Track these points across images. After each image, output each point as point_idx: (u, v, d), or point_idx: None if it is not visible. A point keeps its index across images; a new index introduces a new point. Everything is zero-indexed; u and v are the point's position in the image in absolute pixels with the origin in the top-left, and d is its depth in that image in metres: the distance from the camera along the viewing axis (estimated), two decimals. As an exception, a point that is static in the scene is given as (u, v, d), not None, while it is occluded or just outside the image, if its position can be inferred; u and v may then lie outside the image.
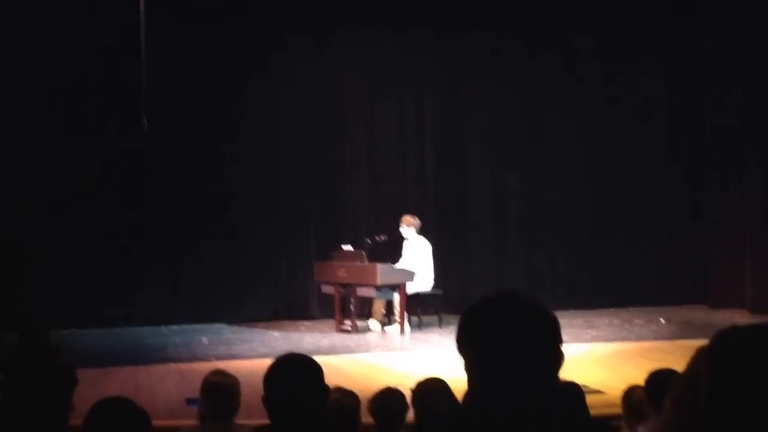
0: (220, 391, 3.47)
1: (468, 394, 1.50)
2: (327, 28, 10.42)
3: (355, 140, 10.91)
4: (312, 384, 2.20)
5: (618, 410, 3.75)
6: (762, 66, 10.30)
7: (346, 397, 3.31)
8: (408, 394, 3.37)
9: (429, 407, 3.01)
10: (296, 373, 2.22)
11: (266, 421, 2.38)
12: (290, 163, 10.59)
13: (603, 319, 10.10)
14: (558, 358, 1.43)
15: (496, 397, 1.41)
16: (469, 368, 1.44)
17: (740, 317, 9.71)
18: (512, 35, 10.98)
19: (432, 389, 3.16)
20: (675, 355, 6.44)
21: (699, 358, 1.19)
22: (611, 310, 10.65)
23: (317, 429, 2.18)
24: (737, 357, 1.15)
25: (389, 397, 3.37)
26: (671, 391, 1.23)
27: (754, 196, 10.60)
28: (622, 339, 8.79)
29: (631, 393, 3.19)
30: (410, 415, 3.40)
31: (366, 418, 3.50)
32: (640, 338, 8.84)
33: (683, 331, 9.08)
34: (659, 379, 3.01)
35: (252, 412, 3.90)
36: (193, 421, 4.00)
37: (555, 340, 1.43)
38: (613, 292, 11.11)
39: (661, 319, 10.00)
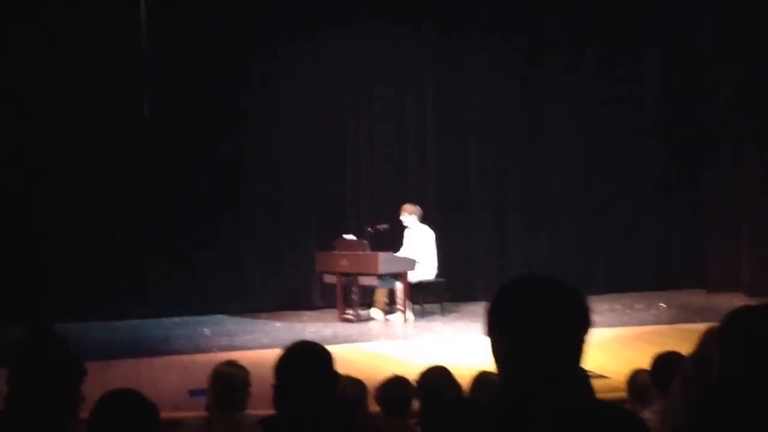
0: (228, 381, 3.48)
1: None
2: (327, 17, 10.39)
3: (355, 129, 10.90)
4: (323, 371, 2.21)
5: (622, 395, 3.76)
6: (757, 51, 10.30)
7: (353, 385, 3.32)
8: (413, 382, 3.39)
9: (434, 395, 3.01)
10: (307, 361, 2.22)
11: (271, 412, 2.39)
12: (291, 153, 10.58)
13: (604, 304, 10.13)
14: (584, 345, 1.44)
15: (522, 380, 1.41)
16: (496, 350, 1.45)
17: (738, 301, 9.75)
18: (511, 21, 10.97)
19: (436, 377, 3.17)
20: (675, 339, 6.46)
21: (709, 338, 1.20)
22: (612, 295, 10.68)
23: (326, 417, 2.19)
24: (748, 336, 1.16)
25: (395, 384, 3.39)
26: (680, 372, 1.24)
27: (751, 182, 10.62)
28: (623, 324, 8.82)
29: (635, 377, 3.20)
30: (416, 403, 3.41)
31: (372, 407, 3.51)
32: (641, 323, 8.87)
33: (682, 315, 9.13)
34: (664, 362, 3.02)
35: (255, 402, 3.91)
36: (197, 413, 4.02)
37: (586, 325, 1.44)
38: (613, 278, 11.14)
39: (661, 304, 10.03)
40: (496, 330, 1.45)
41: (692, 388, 1.18)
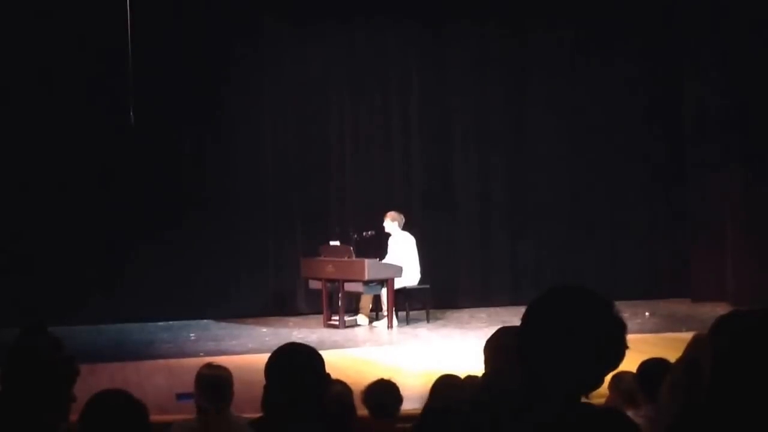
0: (215, 382, 3.52)
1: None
2: (310, 20, 10.41)
3: (340, 135, 10.93)
4: (314, 373, 2.22)
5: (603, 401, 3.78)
6: (743, 62, 10.40)
7: (339, 386, 3.34)
8: (402, 385, 3.42)
9: (446, 401, 3.01)
10: (298, 362, 2.23)
11: (258, 415, 2.40)
12: (276, 159, 10.60)
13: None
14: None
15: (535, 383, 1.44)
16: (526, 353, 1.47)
17: (722, 310, 9.78)
18: (496, 24, 11.04)
19: (447, 385, 3.17)
20: (660, 347, 6.52)
21: (699, 343, 1.23)
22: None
23: (318, 417, 2.20)
24: (739, 340, 1.18)
25: (383, 388, 3.41)
26: (669, 375, 1.27)
27: (735, 191, 10.71)
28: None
29: (620, 378, 3.22)
30: (404, 406, 3.44)
31: (359, 411, 3.52)
32: (625, 331, 8.90)
33: (667, 324, 9.20)
34: (651, 367, 3.06)
35: (242, 406, 3.92)
36: (185, 416, 4.03)
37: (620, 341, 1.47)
38: (597, 286, 10.96)
39: (646, 313, 10.09)
40: (535, 336, 1.49)
41: (681, 392, 1.21)
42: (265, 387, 2.25)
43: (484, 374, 2.31)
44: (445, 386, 3.16)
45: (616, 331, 1.50)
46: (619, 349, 1.50)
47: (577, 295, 1.52)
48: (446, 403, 2.63)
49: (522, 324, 1.54)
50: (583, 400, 1.58)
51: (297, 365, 2.22)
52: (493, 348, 2.26)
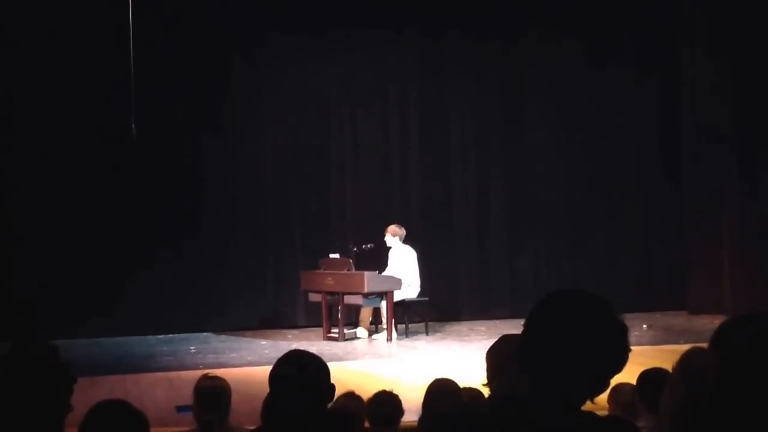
0: (213, 393, 3.53)
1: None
2: (310, 31, 10.47)
3: (340, 147, 10.96)
4: (319, 381, 2.22)
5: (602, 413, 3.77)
6: (741, 73, 10.45)
7: (353, 400, 3.35)
8: (402, 398, 3.43)
9: (438, 407, 3.03)
10: (303, 370, 2.24)
11: (257, 426, 2.40)
12: (276, 172, 10.63)
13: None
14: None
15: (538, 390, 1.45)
16: (528, 359, 1.49)
17: (719, 323, 9.80)
18: (495, 36, 11.10)
19: (442, 389, 3.19)
20: (657, 360, 6.49)
21: (698, 353, 1.23)
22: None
23: (321, 428, 2.20)
24: (743, 346, 1.19)
25: (385, 399, 3.42)
26: (668, 386, 1.27)
27: (733, 204, 10.73)
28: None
29: (620, 389, 3.23)
30: (404, 418, 3.45)
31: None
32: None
33: (665, 337, 9.19)
34: (651, 378, 3.07)
35: (242, 419, 3.93)
36: (184, 428, 4.04)
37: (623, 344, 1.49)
38: None
39: (644, 326, 10.10)
40: (539, 338, 1.50)
41: (683, 402, 1.21)
42: (268, 395, 2.25)
43: (486, 384, 2.32)
44: (441, 393, 3.17)
45: (618, 334, 1.52)
46: (622, 352, 1.51)
47: (578, 299, 1.53)
48: (445, 410, 2.65)
49: (524, 329, 1.56)
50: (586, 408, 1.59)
51: (302, 374, 2.22)
52: (495, 355, 2.27)
